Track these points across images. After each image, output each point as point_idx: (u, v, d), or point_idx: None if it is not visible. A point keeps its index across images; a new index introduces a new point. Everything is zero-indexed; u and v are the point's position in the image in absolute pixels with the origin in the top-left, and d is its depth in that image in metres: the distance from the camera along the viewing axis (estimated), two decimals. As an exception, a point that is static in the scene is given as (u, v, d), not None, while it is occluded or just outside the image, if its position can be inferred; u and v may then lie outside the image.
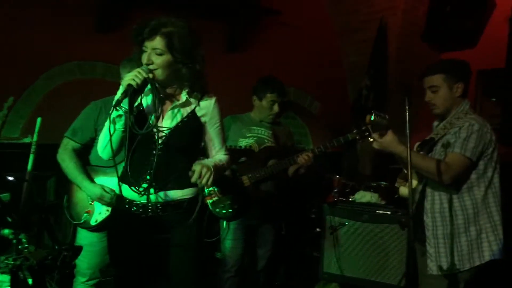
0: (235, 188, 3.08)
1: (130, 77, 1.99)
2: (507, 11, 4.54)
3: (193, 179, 2.05)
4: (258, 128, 3.33)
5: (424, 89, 2.59)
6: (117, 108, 1.99)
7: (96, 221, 2.66)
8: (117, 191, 2.17)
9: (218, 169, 2.18)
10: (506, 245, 2.42)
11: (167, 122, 2.13)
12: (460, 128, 2.41)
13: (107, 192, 2.60)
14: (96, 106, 2.74)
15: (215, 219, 3.12)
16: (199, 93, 2.18)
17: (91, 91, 3.92)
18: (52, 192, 3.62)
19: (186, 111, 2.16)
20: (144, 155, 2.09)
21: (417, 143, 2.62)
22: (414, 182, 2.54)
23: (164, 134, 2.11)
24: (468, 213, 2.40)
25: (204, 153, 2.35)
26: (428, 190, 2.50)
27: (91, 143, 2.72)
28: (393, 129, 2.42)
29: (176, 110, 2.15)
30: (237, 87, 4.33)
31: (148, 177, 2.08)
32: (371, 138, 2.45)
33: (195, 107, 2.17)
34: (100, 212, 2.66)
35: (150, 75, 2.03)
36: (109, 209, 2.60)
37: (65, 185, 2.72)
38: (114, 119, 2.04)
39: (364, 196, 4.02)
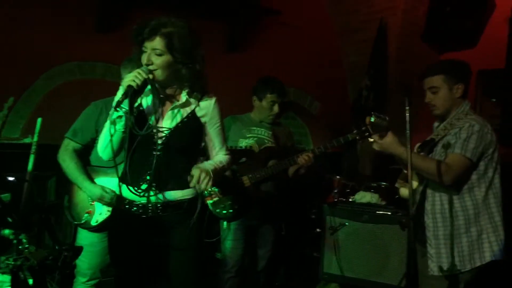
0: (235, 188, 3.08)
1: (130, 78, 1.99)
2: (507, 11, 4.54)
3: (191, 184, 2.05)
4: (258, 128, 3.33)
5: (424, 89, 2.59)
6: (117, 109, 1.99)
7: (96, 221, 2.65)
8: (118, 192, 2.17)
9: (218, 172, 2.18)
10: (507, 245, 2.42)
11: (167, 123, 2.13)
12: (461, 128, 2.41)
13: (107, 193, 2.60)
14: (96, 106, 2.74)
15: (215, 219, 3.13)
16: (199, 93, 2.17)
17: (91, 91, 3.92)
18: (53, 192, 3.62)
19: (186, 111, 2.16)
20: (144, 155, 2.09)
21: (418, 144, 2.62)
22: (415, 183, 2.54)
23: (164, 134, 2.11)
24: (468, 213, 2.40)
25: (205, 153, 2.36)
26: (429, 191, 2.50)
27: (91, 143, 2.71)
28: (393, 130, 2.42)
29: (176, 111, 2.15)
30: (237, 87, 4.34)
31: (148, 177, 2.08)
32: (371, 138, 2.45)
33: (195, 108, 2.17)
34: (101, 213, 2.66)
35: (150, 76, 2.03)
36: (110, 209, 2.60)
37: (66, 186, 2.72)
38: (114, 120, 2.04)
39: (364, 197, 4.02)
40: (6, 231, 2.05)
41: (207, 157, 2.32)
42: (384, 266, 3.66)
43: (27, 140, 3.93)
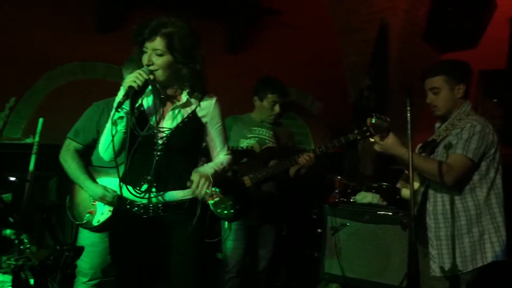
0: (236, 188, 3.09)
1: (131, 79, 1.99)
2: (508, 11, 4.55)
3: (191, 190, 2.05)
4: (259, 128, 3.33)
5: (425, 90, 2.58)
6: (119, 109, 1.99)
7: (98, 221, 2.66)
8: (119, 192, 2.17)
9: (218, 175, 2.19)
10: (509, 246, 2.41)
11: (168, 123, 2.13)
12: (462, 129, 2.41)
13: (109, 192, 2.60)
14: (98, 107, 2.74)
15: (216, 219, 3.12)
16: (199, 93, 2.17)
17: (92, 92, 3.93)
18: (54, 192, 3.62)
19: (186, 111, 2.16)
20: (144, 156, 2.09)
21: (419, 145, 2.62)
22: (416, 184, 2.54)
23: (164, 134, 2.11)
24: (470, 214, 2.39)
25: (206, 153, 2.36)
26: (430, 192, 2.50)
27: (93, 144, 2.72)
28: (394, 130, 2.42)
29: (176, 111, 2.15)
30: (237, 87, 4.34)
31: (148, 177, 2.08)
32: (372, 138, 2.45)
33: (195, 108, 2.17)
34: (103, 213, 2.67)
35: (151, 76, 2.03)
36: (112, 209, 2.60)
37: (68, 186, 2.73)
38: (115, 120, 2.03)
39: (365, 197, 4.02)
40: (8, 231, 2.05)
41: (209, 157, 2.32)
42: (385, 267, 3.66)
43: (28, 140, 3.92)
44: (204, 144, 2.29)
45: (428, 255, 2.47)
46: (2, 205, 2.11)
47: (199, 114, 2.18)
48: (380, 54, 5.32)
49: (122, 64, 2.72)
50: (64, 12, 4.10)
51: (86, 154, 2.75)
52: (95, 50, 4.26)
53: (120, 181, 2.09)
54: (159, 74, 2.05)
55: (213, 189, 2.93)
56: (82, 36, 4.17)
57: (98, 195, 2.62)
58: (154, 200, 2.11)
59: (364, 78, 5.41)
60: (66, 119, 2.88)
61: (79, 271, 2.77)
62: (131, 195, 2.11)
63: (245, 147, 3.19)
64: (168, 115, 2.14)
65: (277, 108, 3.29)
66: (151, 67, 2.04)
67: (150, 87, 2.07)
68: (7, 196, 2.53)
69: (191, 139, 2.18)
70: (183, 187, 2.12)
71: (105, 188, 2.62)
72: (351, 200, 4.09)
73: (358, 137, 2.63)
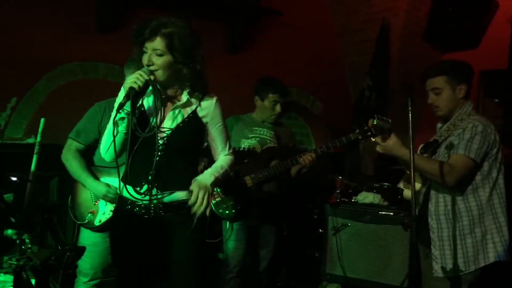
0: (238, 188, 3.09)
1: (132, 80, 1.99)
2: (510, 12, 4.55)
3: (190, 202, 2.06)
4: (260, 128, 3.33)
5: (426, 90, 2.58)
6: (120, 110, 1.99)
7: (100, 221, 2.67)
8: (120, 192, 2.17)
9: (219, 181, 2.20)
10: (511, 246, 2.41)
11: (168, 123, 2.13)
12: (464, 129, 2.41)
13: (112, 189, 2.61)
14: (100, 107, 2.75)
15: (217, 219, 3.12)
16: (200, 93, 2.17)
17: (93, 92, 3.93)
18: (55, 192, 3.62)
19: (187, 112, 2.16)
20: (145, 156, 2.09)
21: (421, 146, 2.62)
22: (418, 185, 2.54)
23: (165, 135, 2.11)
24: (473, 214, 2.39)
25: (207, 153, 2.36)
26: (432, 192, 2.49)
27: (95, 144, 2.73)
28: (395, 130, 2.41)
29: (177, 111, 2.15)
30: (237, 87, 4.33)
31: (149, 178, 2.08)
32: (373, 138, 2.45)
33: (196, 108, 2.17)
34: (104, 213, 2.67)
35: (152, 77, 2.03)
36: (113, 209, 2.60)
37: (69, 185, 2.73)
38: (116, 121, 2.03)
39: (366, 197, 4.01)
40: (9, 231, 2.04)
41: (210, 157, 2.32)
42: (387, 267, 3.66)
43: (30, 140, 3.93)
44: (205, 144, 2.29)
45: (430, 255, 2.47)
46: (3, 205, 2.10)
47: (200, 114, 2.18)
48: (381, 54, 5.32)
49: (124, 64, 2.72)
50: (64, 12, 4.10)
51: (87, 154, 2.75)
52: (95, 50, 4.26)
53: (121, 181, 2.09)
54: (159, 74, 2.06)
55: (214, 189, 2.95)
56: (83, 36, 4.17)
57: (101, 193, 2.62)
58: (155, 200, 2.11)
59: (364, 78, 5.41)
60: (67, 119, 2.88)
61: (79, 271, 2.77)
62: (132, 195, 2.11)
63: (246, 148, 3.19)
64: (169, 115, 2.14)
65: (278, 108, 3.29)
66: (151, 67, 2.04)
67: (150, 88, 2.07)
68: (9, 196, 2.53)
69: (191, 139, 2.18)
70: (184, 187, 2.12)
71: (107, 185, 2.63)
72: (352, 200, 4.09)
73: (359, 137, 2.63)
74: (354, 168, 5.50)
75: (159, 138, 2.09)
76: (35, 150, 2.23)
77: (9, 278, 2.17)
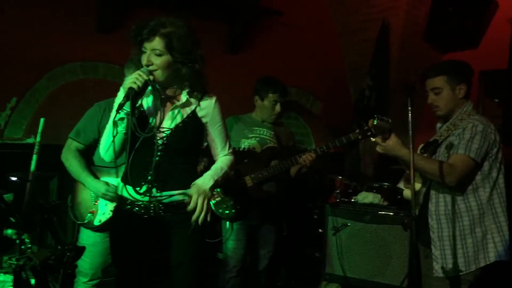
0: (237, 188, 3.08)
1: (131, 80, 1.99)
2: (509, 11, 4.54)
3: (188, 208, 2.06)
4: (260, 128, 3.33)
5: (426, 90, 2.58)
6: (119, 111, 1.99)
7: (99, 221, 2.67)
8: (119, 192, 2.17)
9: (218, 183, 2.20)
10: (511, 245, 2.41)
11: (168, 123, 2.13)
12: (464, 129, 2.41)
13: (112, 188, 2.61)
14: (99, 107, 2.75)
15: (217, 219, 3.12)
16: (199, 93, 2.17)
17: (93, 92, 3.94)
18: (55, 192, 3.62)
19: (186, 111, 2.16)
20: (145, 156, 2.09)
21: (421, 145, 2.62)
22: (418, 185, 2.54)
23: (164, 135, 2.11)
24: (473, 214, 2.39)
25: (207, 153, 2.36)
26: (433, 192, 2.49)
27: (94, 144, 2.73)
28: (395, 130, 2.42)
29: (176, 111, 2.15)
30: (237, 87, 4.34)
31: (149, 177, 2.08)
32: (373, 138, 2.45)
33: (195, 108, 2.17)
34: (104, 213, 2.67)
35: (151, 77, 2.03)
36: (113, 209, 2.60)
37: (69, 185, 2.73)
38: (116, 122, 2.03)
39: (366, 197, 4.01)
40: (9, 231, 2.04)
41: (209, 157, 2.31)
42: (386, 267, 3.65)
43: (30, 140, 3.94)
44: (205, 144, 2.29)
45: (430, 255, 2.47)
46: (3, 205, 2.10)
47: (199, 114, 2.18)
48: (381, 54, 5.32)
49: (124, 64, 2.72)
50: (64, 12, 4.10)
51: (87, 154, 2.75)
52: (95, 50, 4.26)
53: (121, 181, 2.09)
54: (159, 74, 2.06)
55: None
56: (83, 36, 4.17)
57: (100, 191, 2.62)
58: (154, 200, 2.11)
59: (364, 78, 5.41)
60: (67, 119, 2.88)
61: (79, 271, 2.77)
62: (132, 195, 2.11)
63: (246, 147, 3.19)
64: (168, 115, 2.14)
65: (278, 108, 3.29)
66: (150, 67, 2.04)
67: (150, 88, 2.07)
68: (9, 196, 2.53)
69: (191, 139, 2.18)
70: (183, 187, 2.12)
71: (107, 183, 2.63)
72: (352, 200, 4.08)
73: (359, 137, 2.64)
74: (354, 168, 5.49)
75: (158, 138, 2.09)
76: (35, 150, 2.23)
77: (9, 278, 2.16)
